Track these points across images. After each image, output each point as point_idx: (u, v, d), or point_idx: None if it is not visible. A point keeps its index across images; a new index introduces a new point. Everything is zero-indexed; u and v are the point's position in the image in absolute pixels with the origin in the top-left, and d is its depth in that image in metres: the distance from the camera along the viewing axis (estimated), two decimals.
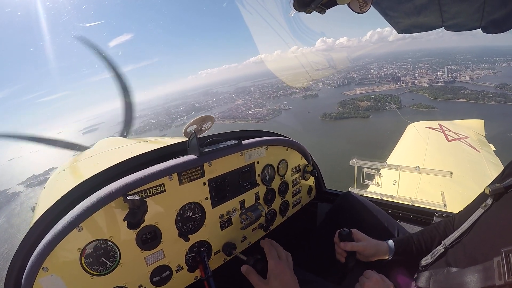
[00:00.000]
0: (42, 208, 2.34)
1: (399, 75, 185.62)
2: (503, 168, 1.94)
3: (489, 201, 1.82)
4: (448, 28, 2.12)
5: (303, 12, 1.66)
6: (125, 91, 6.18)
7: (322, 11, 1.64)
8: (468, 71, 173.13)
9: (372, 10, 1.78)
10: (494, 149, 9.58)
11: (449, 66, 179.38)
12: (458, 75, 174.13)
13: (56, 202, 1.64)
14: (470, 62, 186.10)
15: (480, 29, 2.04)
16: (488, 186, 1.84)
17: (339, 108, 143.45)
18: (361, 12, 1.64)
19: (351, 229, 2.22)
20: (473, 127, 11.65)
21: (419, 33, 2.29)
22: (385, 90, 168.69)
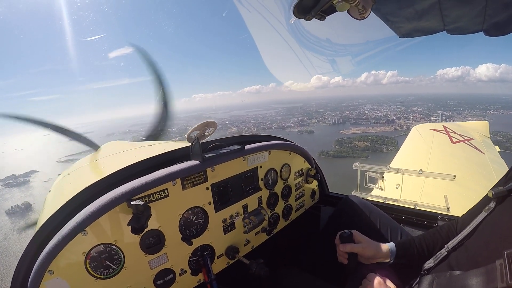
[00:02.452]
0: (47, 212, 2.36)
1: (394, 117, 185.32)
2: (508, 170, 1.94)
3: (492, 204, 1.82)
4: (450, 31, 2.11)
5: (303, 19, 1.67)
6: (165, 102, 6.32)
7: (322, 18, 1.65)
8: (460, 117, 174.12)
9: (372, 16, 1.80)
10: (499, 150, 9.51)
11: (442, 112, 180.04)
12: (452, 121, 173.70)
13: (61, 206, 1.66)
14: (461, 109, 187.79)
15: (483, 32, 2.03)
16: (492, 189, 1.84)
17: (336, 147, 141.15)
18: (361, 18, 1.65)
19: (351, 230, 2.22)
20: (478, 128, 11.56)
21: (419, 37, 2.28)
22: (381, 131, 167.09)
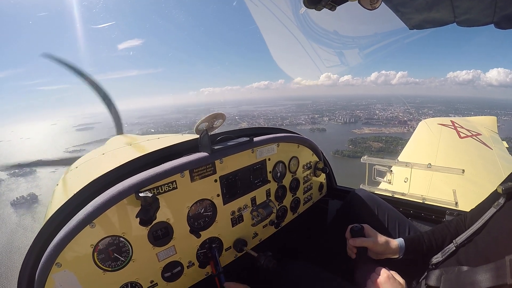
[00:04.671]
0: (55, 205, 2.37)
1: (405, 119, 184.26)
2: None
3: (502, 200, 1.81)
4: (460, 23, 2.08)
5: (314, 9, 1.65)
6: (105, 98, 6.57)
7: (332, 8, 1.63)
8: None
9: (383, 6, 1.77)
10: (507, 146, 9.43)
11: (452, 115, 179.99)
12: None
13: (69, 199, 1.65)
14: (472, 113, 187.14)
15: (493, 24, 2.00)
16: (501, 185, 1.82)
17: (350, 146, 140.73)
18: (372, 8, 1.62)
19: (363, 224, 2.21)
20: (486, 123, 11.43)
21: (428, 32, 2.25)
22: (393, 132, 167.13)
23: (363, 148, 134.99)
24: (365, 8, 1.61)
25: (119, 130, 6.19)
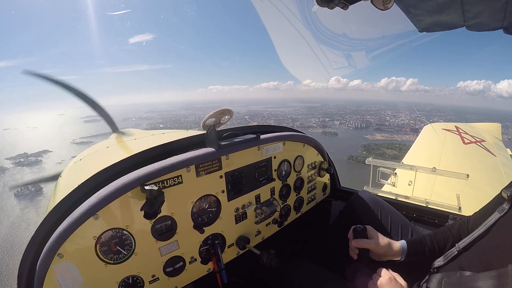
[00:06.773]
0: (59, 196, 2.36)
1: (417, 127, 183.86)
2: None
3: (506, 206, 1.78)
4: (470, 27, 2.08)
5: (326, 8, 1.64)
6: (92, 103, 6.65)
7: (345, 7, 1.62)
8: None
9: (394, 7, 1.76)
10: (511, 153, 9.41)
11: None
12: None
13: (73, 190, 1.64)
14: None
15: (502, 29, 2.00)
16: (505, 189, 1.81)
17: (364, 152, 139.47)
18: (384, 8, 1.61)
19: (366, 226, 2.20)
20: (490, 130, 11.41)
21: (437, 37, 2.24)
22: (406, 140, 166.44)
23: (377, 155, 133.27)
24: (377, 8, 1.60)
25: (114, 129, 6.26)
